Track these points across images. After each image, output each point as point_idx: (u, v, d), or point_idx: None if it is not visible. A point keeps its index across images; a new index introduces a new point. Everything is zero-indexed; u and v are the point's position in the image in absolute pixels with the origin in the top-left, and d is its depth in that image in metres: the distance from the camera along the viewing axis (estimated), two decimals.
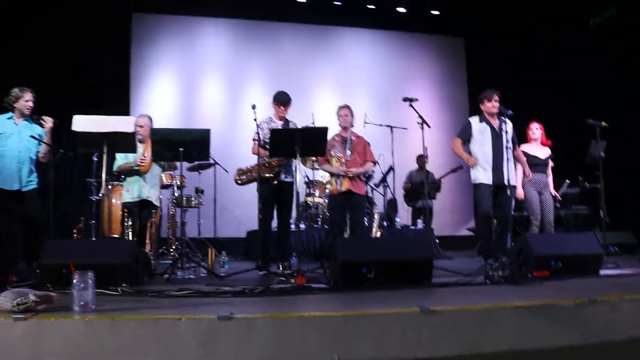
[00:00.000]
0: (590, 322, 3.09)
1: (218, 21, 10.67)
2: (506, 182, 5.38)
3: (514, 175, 5.78)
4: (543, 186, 6.45)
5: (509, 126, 5.60)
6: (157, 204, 6.20)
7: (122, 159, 5.81)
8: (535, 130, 6.61)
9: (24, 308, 2.78)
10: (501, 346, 2.92)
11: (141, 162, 5.75)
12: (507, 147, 5.41)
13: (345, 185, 5.90)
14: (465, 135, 5.84)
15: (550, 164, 6.64)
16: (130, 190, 5.84)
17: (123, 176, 6.06)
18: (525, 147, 6.51)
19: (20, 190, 5.17)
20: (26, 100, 5.23)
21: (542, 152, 6.58)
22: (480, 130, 5.77)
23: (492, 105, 5.75)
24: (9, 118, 5.24)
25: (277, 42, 10.83)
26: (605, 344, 3.06)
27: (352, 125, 6.13)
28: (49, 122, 5.23)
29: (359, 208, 6.08)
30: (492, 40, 10.66)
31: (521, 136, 6.83)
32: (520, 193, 6.35)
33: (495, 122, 5.75)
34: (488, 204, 5.61)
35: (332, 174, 6.05)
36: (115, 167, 5.91)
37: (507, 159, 5.41)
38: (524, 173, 6.12)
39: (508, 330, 2.96)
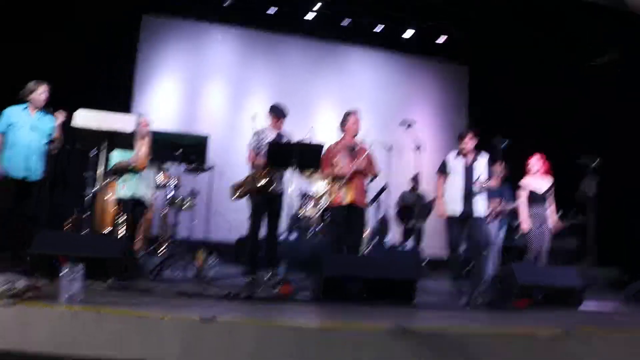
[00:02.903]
0: (565, 354, 3.15)
1: (226, 29, 10.77)
2: (474, 214, 5.82)
3: (484, 207, 6.03)
4: (542, 219, 6.55)
5: (482, 162, 6.02)
6: (149, 203, 6.21)
7: (118, 159, 5.77)
8: (535, 162, 6.72)
9: (11, 294, 2.83)
10: None
11: (136, 162, 5.71)
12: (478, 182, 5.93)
13: (349, 197, 5.68)
14: (443, 170, 6.17)
15: (551, 194, 6.74)
16: (126, 187, 5.82)
17: (119, 175, 5.96)
18: (526, 180, 6.64)
19: (25, 180, 5.33)
20: (40, 93, 5.47)
21: (542, 184, 6.65)
22: (455, 165, 6.09)
23: (464, 142, 6.07)
24: (23, 109, 5.48)
25: (283, 55, 10.94)
26: None
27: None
28: (61, 116, 5.41)
29: (360, 222, 5.84)
30: (496, 72, 10.78)
31: (520, 164, 6.94)
32: (525, 227, 6.55)
33: (470, 158, 6.07)
34: (455, 235, 5.94)
35: (334, 183, 5.78)
36: (111, 165, 5.86)
37: (478, 192, 5.89)
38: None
39: (482, 356, 3.02)
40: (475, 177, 5.91)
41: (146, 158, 5.78)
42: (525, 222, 6.51)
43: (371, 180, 6.08)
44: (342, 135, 5.97)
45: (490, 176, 6.07)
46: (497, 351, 3.05)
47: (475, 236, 5.91)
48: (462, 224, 5.95)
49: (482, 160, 6.08)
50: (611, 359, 3.23)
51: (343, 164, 5.75)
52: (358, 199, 5.75)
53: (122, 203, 5.82)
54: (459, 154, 6.17)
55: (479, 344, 3.04)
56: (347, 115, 5.99)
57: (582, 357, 3.19)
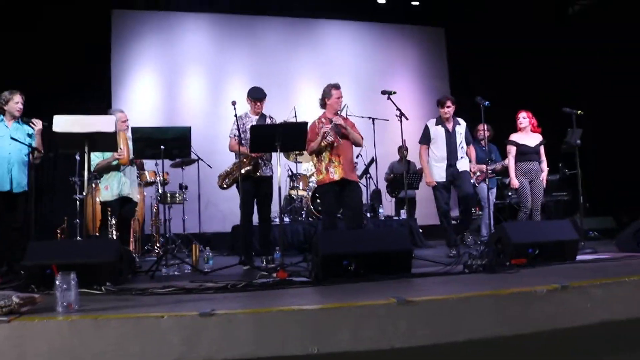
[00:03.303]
0: (562, 307, 3.18)
1: (198, 16, 10.67)
2: (460, 169, 6.26)
3: (466, 165, 6.39)
4: (534, 174, 6.64)
5: (462, 127, 6.44)
6: (137, 200, 6.17)
7: (98, 158, 5.71)
8: (523, 119, 6.78)
9: (7, 311, 2.81)
10: (476, 334, 3.00)
11: (119, 156, 5.68)
12: (460, 147, 6.34)
13: (339, 173, 5.66)
14: (426, 139, 6.45)
15: (542, 149, 6.78)
16: (110, 188, 5.76)
17: (99, 175, 5.91)
18: (514, 137, 6.73)
19: (11, 192, 5.29)
20: (16, 102, 5.41)
21: (532, 140, 6.72)
22: (435, 133, 6.39)
23: (444, 111, 6.38)
24: (0, 121, 5.33)
25: (258, 36, 10.86)
26: (577, 328, 3.16)
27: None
28: (38, 124, 5.37)
29: (356, 196, 5.80)
30: (472, 30, 10.74)
31: (509, 124, 6.96)
32: (515, 183, 6.69)
33: (450, 124, 6.40)
34: (444, 200, 6.30)
35: (321, 161, 5.77)
36: (93, 167, 5.79)
37: (461, 157, 6.33)
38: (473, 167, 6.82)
39: (483, 318, 3.04)
40: (458, 142, 6.27)
41: (128, 153, 5.72)
42: (513, 178, 6.59)
43: (357, 156, 6.09)
44: (324, 111, 5.91)
45: (468, 142, 6.45)
46: (496, 311, 3.08)
47: (463, 186, 6.26)
48: (449, 188, 6.29)
49: (462, 125, 6.42)
50: (608, 307, 3.27)
51: (329, 140, 5.70)
52: (349, 173, 5.73)
53: (108, 205, 5.77)
54: (438, 122, 6.40)
55: (478, 307, 3.07)
56: (329, 89, 5.86)
57: (580, 307, 3.22)
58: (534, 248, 4.58)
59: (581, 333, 3.17)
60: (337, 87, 5.85)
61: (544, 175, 6.73)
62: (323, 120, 5.79)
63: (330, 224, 5.78)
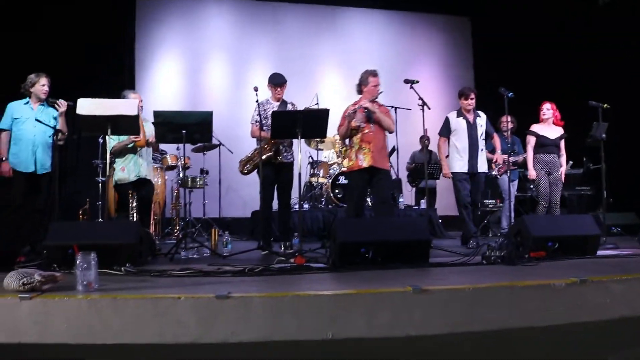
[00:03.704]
0: (581, 301, 3.15)
1: (222, 2, 10.68)
2: (479, 170, 6.31)
3: (485, 163, 6.46)
4: (552, 166, 6.57)
5: (483, 119, 6.44)
6: (153, 181, 6.15)
7: (114, 141, 5.63)
8: (547, 110, 6.70)
9: (30, 288, 2.87)
10: (492, 325, 2.99)
11: (135, 138, 5.65)
12: (481, 139, 6.34)
13: (368, 160, 5.58)
14: (446, 131, 6.42)
15: (562, 143, 6.70)
16: (126, 169, 5.72)
17: (115, 157, 5.80)
18: (535, 127, 6.66)
19: (35, 173, 5.38)
20: (42, 84, 5.49)
21: (553, 132, 6.64)
22: (457, 125, 6.37)
23: (467, 103, 6.37)
24: (25, 103, 5.56)
25: (281, 22, 10.84)
26: (594, 323, 3.13)
27: None
28: (62, 105, 5.44)
29: (385, 185, 5.72)
30: (498, 19, 10.59)
31: (533, 117, 6.88)
32: (532, 174, 6.64)
33: (471, 116, 6.39)
34: (465, 191, 6.28)
35: (352, 147, 5.71)
36: (109, 150, 5.71)
37: (481, 149, 6.34)
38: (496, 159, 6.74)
39: (498, 310, 3.03)
40: (479, 133, 6.27)
41: (144, 136, 5.74)
42: (531, 169, 6.53)
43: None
44: (361, 96, 5.80)
45: (490, 133, 6.46)
46: (513, 303, 3.06)
47: (474, 193, 6.33)
48: (470, 180, 6.28)
49: (483, 117, 6.43)
50: (628, 302, 3.23)
51: (361, 127, 5.63)
52: (379, 161, 5.63)
53: (125, 186, 5.75)
54: (459, 114, 6.39)
55: (494, 298, 3.05)
56: (366, 75, 5.77)
57: (599, 302, 3.19)
58: (554, 242, 4.53)
59: (599, 328, 3.14)
60: (374, 74, 5.76)
61: (563, 169, 6.66)
62: (356, 105, 5.72)
63: (356, 211, 5.70)
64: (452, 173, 6.35)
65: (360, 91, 5.80)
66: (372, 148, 5.61)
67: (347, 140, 5.89)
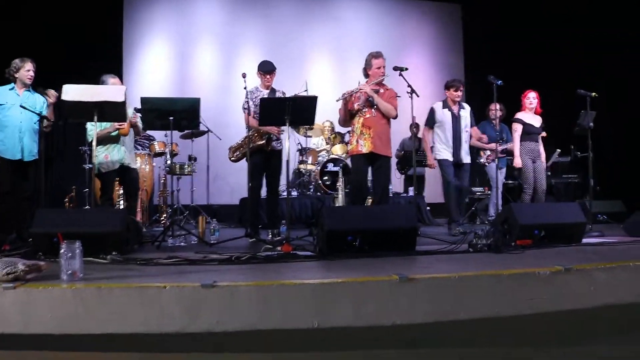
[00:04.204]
0: (565, 290, 3.17)
1: None
2: (463, 161, 6.41)
3: (468, 155, 6.52)
4: (537, 155, 6.64)
5: (467, 111, 6.53)
6: (136, 167, 6.09)
7: (93, 127, 5.33)
8: (533, 99, 6.73)
9: (13, 277, 2.85)
10: (477, 313, 3.01)
11: (120, 126, 5.56)
12: (465, 131, 6.43)
13: (368, 146, 5.57)
14: (431, 122, 6.52)
15: (543, 133, 6.77)
16: (110, 157, 5.63)
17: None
18: (520, 115, 6.69)
19: (22, 160, 5.32)
20: (27, 70, 5.39)
21: (537, 120, 6.70)
22: (442, 116, 6.46)
23: (457, 94, 6.47)
24: (10, 89, 5.44)
25: (272, 8, 10.74)
26: (578, 310, 3.16)
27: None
28: (52, 97, 5.34)
29: (384, 173, 5.74)
30: (489, 6, 10.57)
31: (516, 103, 6.90)
32: (517, 162, 6.70)
33: (455, 108, 6.48)
34: (452, 174, 6.37)
35: (354, 132, 5.68)
36: (90, 137, 5.63)
37: (465, 140, 6.44)
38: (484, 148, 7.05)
39: (484, 298, 3.04)
40: (462, 125, 6.37)
41: (129, 124, 5.67)
42: (517, 157, 6.59)
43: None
44: (366, 80, 5.80)
45: (472, 124, 6.58)
46: (498, 291, 3.08)
47: (463, 180, 6.43)
48: (454, 168, 6.37)
49: (467, 109, 6.52)
50: (612, 290, 3.26)
51: (364, 111, 5.63)
52: (379, 147, 5.61)
53: (108, 174, 5.67)
54: (444, 105, 6.48)
55: (480, 286, 3.07)
56: (369, 58, 5.75)
57: (584, 290, 3.21)
58: (540, 229, 4.55)
59: (584, 316, 3.17)
60: (377, 55, 5.72)
61: (543, 157, 6.73)
62: (362, 90, 5.69)
63: (357, 197, 5.70)
64: (438, 160, 6.45)
65: (366, 75, 5.78)
66: (373, 133, 5.58)
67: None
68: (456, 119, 6.44)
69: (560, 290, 3.16)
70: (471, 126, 6.60)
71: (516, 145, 6.68)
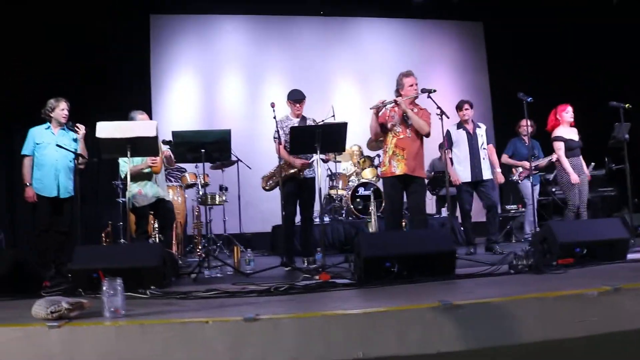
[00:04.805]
0: (615, 310, 3.07)
1: (235, 18, 10.73)
2: (484, 177, 6.53)
3: (489, 170, 6.63)
4: (580, 169, 6.48)
5: (482, 130, 6.72)
6: (169, 198, 6.10)
7: (127, 164, 5.33)
8: (573, 113, 6.58)
9: (58, 316, 2.86)
10: (524, 338, 2.93)
11: (153, 163, 5.63)
12: (482, 148, 6.59)
13: (401, 167, 5.44)
14: (449, 143, 6.68)
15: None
16: (144, 192, 5.67)
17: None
18: (559, 132, 6.55)
19: (58, 197, 5.43)
20: (62, 109, 5.57)
21: (575, 134, 6.58)
22: (457, 136, 6.68)
23: (462, 114, 6.71)
24: (46, 128, 5.62)
25: (294, 36, 10.86)
26: (631, 332, 3.05)
27: None
28: (81, 129, 5.47)
29: (419, 195, 5.59)
30: (511, 22, 10.52)
31: (543, 119, 6.82)
32: (574, 178, 6.48)
33: (470, 127, 6.68)
34: (467, 202, 6.60)
35: (386, 152, 5.57)
36: (123, 173, 5.74)
37: (483, 158, 6.57)
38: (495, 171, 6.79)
39: (531, 321, 2.96)
40: (479, 143, 6.58)
41: (162, 161, 5.73)
42: (572, 173, 6.42)
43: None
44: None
45: (489, 142, 6.70)
46: (545, 315, 3.00)
47: (490, 195, 6.52)
48: (472, 191, 6.55)
49: (483, 128, 6.70)
50: None
51: (398, 131, 5.54)
52: (413, 169, 5.47)
53: (142, 208, 5.70)
54: (459, 126, 6.67)
55: (525, 310, 2.99)
56: (400, 78, 5.70)
57: (635, 310, 3.11)
58: (581, 247, 4.43)
59: (636, 336, 3.06)
60: (407, 74, 5.68)
61: (587, 171, 6.59)
62: (396, 110, 5.60)
63: (393, 223, 5.57)
64: (458, 184, 6.61)
65: (399, 97, 5.67)
66: (407, 155, 5.45)
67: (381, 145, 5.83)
68: (472, 137, 6.62)
69: (610, 311, 3.06)
70: (487, 143, 6.70)
71: (565, 163, 6.50)
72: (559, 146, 6.55)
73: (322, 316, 2.86)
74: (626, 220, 6.32)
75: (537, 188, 7.78)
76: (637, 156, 6.76)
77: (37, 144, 5.52)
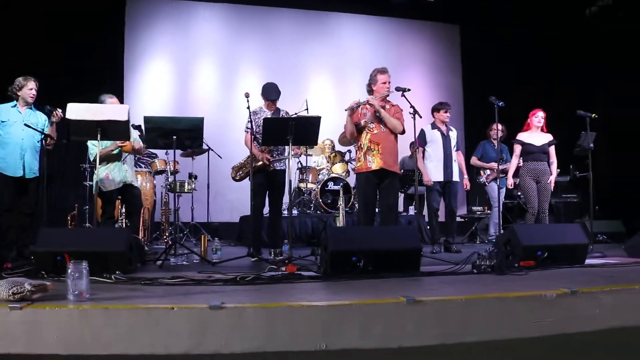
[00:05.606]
0: (571, 312, 3.18)
1: (212, 5, 10.62)
2: (454, 179, 6.77)
3: (458, 172, 6.90)
4: (541, 174, 6.55)
5: (454, 133, 7.01)
6: (137, 184, 6.05)
7: (96, 147, 5.26)
8: (542, 119, 6.64)
9: (20, 297, 2.83)
10: (484, 336, 3.01)
11: (122, 143, 5.56)
12: (455, 150, 6.84)
13: (377, 162, 5.41)
14: (422, 142, 6.85)
15: (552, 150, 6.67)
16: (111, 175, 5.61)
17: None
18: (521, 136, 6.67)
19: (23, 177, 5.32)
20: (29, 88, 5.42)
21: (540, 139, 6.59)
22: (432, 136, 6.84)
23: (447, 115, 6.91)
24: (13, 106, 5.44)
25: (272, 27, 10.80)
26: (585, 333, 3.16)
27: None
28: (57, 117, 5.36)
29: (393, 190, 5.58)
30: (487, 27, 10.67)
31: (514, 124, 6.95)
32: (510, 182, 6.85)
33: (444, 128, 6.88)
34: (435, 201, 6.77)
35: (361, 148, 5.52)
36: (92, 156, 5.68)
37: (454, 160, 6.81)
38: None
39: (490, 320, 3.04)
40: (452, 145, 6.84)
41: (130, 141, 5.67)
42: (510, 178, 6.70)
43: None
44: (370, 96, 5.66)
45: (457, 148, 6.97)
46: (505, 314, 3.08)
47: (451, 200, 6.77)
48: (441, 191, 6.68)
49: (454, 132, 7.03)
50: (617, 313, 3.27)
51: (371, 127, 5.51)
52: (389, 164, 5.48)
53: (109, 192, 5.65)
54: (433, 126, 6.87)
55: (486, 309, 3.07)
56: (375, 73, 5.64)
57: (589, 313, 3.22)
58: (543, 251, 4.56)
59: (589, 339, 3.17)
60: (382, 71, 5.62)
61: (552, 178, 6.61)
62: (367, 106, 5.56)
63: (366, 218, 5.50)
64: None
65: (370, 91, 5.64)
66: (382, 150, 5.43)
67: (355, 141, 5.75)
68: (446, 138, 6.81)
69: (566, 313, 3.16)
70: (456, 149, 6.93)
71: (512, 166, 6.72)
72: (515, 148, 6.71)
73: (286, 307, 2.89)
74: (586, 227, 6.49)
75: (503, 191, 7.91)
76: (600, 164, 6.93)
77: (3, 122, 5.36)
